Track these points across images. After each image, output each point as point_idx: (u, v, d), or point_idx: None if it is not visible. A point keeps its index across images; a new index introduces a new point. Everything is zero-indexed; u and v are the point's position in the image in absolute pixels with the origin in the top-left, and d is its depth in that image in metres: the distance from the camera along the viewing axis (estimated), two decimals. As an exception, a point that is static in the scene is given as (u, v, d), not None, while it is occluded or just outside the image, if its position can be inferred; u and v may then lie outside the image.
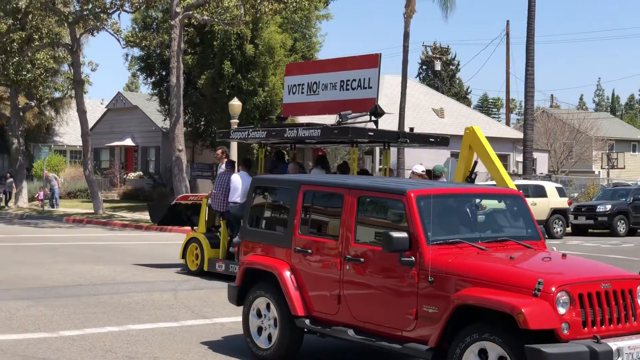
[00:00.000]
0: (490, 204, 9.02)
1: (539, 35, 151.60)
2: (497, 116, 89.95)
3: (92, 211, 34.47)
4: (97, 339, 9.96)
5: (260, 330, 9.12)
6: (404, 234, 7.55)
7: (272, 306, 8.94)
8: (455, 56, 79.63)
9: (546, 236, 8.68)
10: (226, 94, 34.95)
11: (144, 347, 9.60)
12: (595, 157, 63.28)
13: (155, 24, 39.32)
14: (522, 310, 6.61)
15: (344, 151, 38.72)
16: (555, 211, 29.62)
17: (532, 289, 6.79)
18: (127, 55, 42.13)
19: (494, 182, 18.07)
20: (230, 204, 15.81)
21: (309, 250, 8.64)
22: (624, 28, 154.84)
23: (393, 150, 41.64)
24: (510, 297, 6.81)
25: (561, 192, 30.85)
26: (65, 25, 34.80)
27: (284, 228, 9.03)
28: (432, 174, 14.81)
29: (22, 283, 14.55)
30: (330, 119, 17.55)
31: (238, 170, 16.29)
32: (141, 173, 46.73)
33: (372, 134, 14.65)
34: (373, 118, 15.17)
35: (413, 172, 15.22)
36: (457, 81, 79.51)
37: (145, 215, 30.30)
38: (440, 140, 16.08)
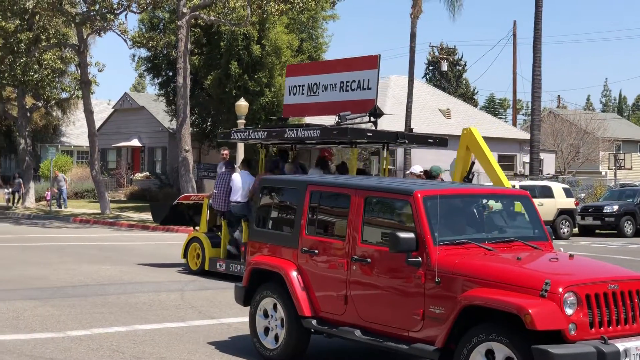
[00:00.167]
0: (497, 204, 9.01)
1: (545, 35, 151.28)
2: (503, 117, 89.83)
3: (99, 211, 34.53)
4: (104, 339, 9.98)
5: (267, 330, 9.12)
6: (411, 235, 7.55)
7: (279, 306, 8.94)
8: (462, 57, 79.51)
9: (553, 237, 8.67)
10: (233, 94, 34.98)
11: (151, 347, 9.61)
12: (602, 158, 63.13)
13: (162, 24, 39.37)
14: (529, 310, 6.60)
15: (350, 151, 38.68)
16: (562, 212, 29.59)
17: (539, 289, 6.79)
18: (134, 55, 42.19)
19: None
20: (232, 204, 15.88)
21: (316, 251, 8.65)
22: (631, 28, 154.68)
23: (400, 151, 41.70)
24: (518, 297, 6.80)
25: (568, 193, 30.82)
26: (73, 25, 34.88)
27: (291, 228, 9.03)
28: (429, 175, 14.93)
29: (29, 283, 14.59)
30: (333, 120, 17.61)
31: (239, 169, 16.38)
32: (148, 173, 46.79)
33: (370, 134, 14.77)
34: (372, 119, 15.30)
35: (411, 173, 15.42)
36: (464, 82, 79.38)
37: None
38: (439, 141, 16.19)
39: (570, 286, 6.85)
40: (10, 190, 39.60)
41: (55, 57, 37.88)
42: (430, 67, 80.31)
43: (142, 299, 13.10)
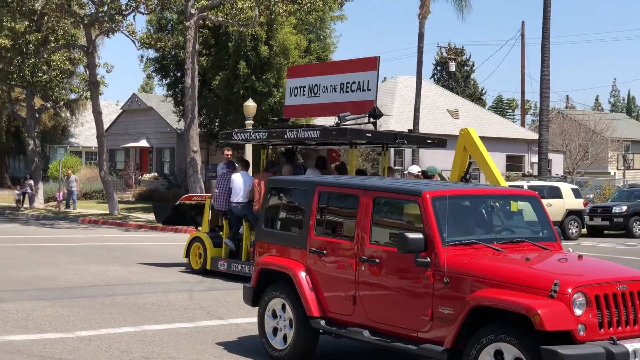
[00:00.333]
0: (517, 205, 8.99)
1: (554, 35, 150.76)
2: (512, 117, 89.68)
3: (108, 212, 34.60)
4: (113, 339, 10.01)
5: (275, 331, 9.13)
6: (420, 235, 7.55)
7: (287, 307, 8.95)
8: (469, 57, 79.38)
9: (562, 237, 8.66)
10: (241, 95, 35.00)
11: (160, 347, 9.63)
12: (611, 158, 62.97)
13: (170, 25, 39.42)
14: (538, 311, 6.59)
15: (359, 152, 38.67)
16: (570, 212, 29.52)
17: (548, 290, 6.78)
18: (142, 56, 42.38)
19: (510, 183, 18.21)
20: (233, 204, 16.01)
21: (324, 251, 8.65)
22: (639, 29, 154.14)
23: (408, 152, 41.68)
24: (526, 298, 6.80)
25: (577, 193, 30.74)
26: (81, 26, 34.97)
27: (299, 229, 9.04)
28: (426, 175, 15.14)
29: (38, 283, 14.63)
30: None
31: (239, 170, 16.53)
32: (156, 174, 46.86)
33: (369, 135, 14.90)
34: (372, 120, 15.44)
35: (409, 173, 15.65)
36: (472, 82, 79.27)
37: (160, 217, 30.39)
38: (438, 142, 16.36)
39: (579, 287, 6.84)
40: (21, 191, 39.65)
41: (63, 58, 37.98)
42: (438, 68, 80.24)
43: (150, 300, 13.12)
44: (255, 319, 9.64)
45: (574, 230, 29.55)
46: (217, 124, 39.65)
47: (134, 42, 34.70)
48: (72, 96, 45.07)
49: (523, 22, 54.15)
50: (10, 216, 36.11)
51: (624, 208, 30.59)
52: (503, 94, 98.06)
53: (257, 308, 9.39)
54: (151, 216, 32.91)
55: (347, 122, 15.47)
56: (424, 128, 40.99)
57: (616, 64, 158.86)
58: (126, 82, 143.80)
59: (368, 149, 30.09)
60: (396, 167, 40.91)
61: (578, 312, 6.75)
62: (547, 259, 7.87)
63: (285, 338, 8.99)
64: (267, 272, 9.30)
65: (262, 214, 9.70)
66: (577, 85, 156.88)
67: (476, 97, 75.35)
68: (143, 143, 48.75)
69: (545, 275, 7.03)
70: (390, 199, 8.37)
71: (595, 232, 31.25)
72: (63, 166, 40.96)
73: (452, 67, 69.37)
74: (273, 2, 30.12)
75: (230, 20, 31.57)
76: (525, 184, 30.41)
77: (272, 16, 32.15)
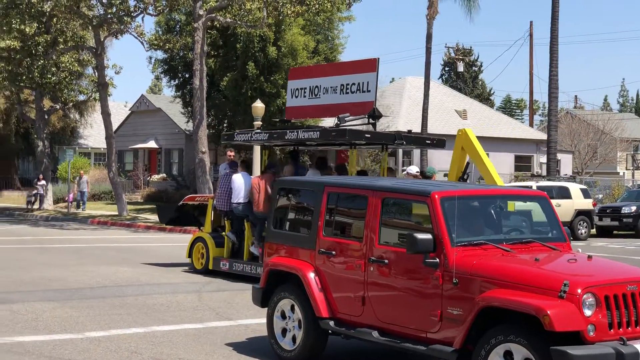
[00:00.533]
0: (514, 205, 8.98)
1: (562, 35, 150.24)
2: (520, 117, 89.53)
3: (117, 213, 34.66)
4: (123, 340, 10.03)
5: (284, 331, 9.14)
6: (428, 236, 7.55)
7: (296, 308, 8.95)
8: (478, 57, 79.22)
9: (571, 238, 8.64)
10: (249, 96, 35.03)
11: (169, 348, 9.65)
12: (620, 158, 62.83)
13: (178, 26, 39.47)
14: (548, 312, 6.58)
15: (367, 153, 38.70)
16: (579, 212, 29.44)
17: (558, 290, 6.77)
18: (150, 57, 42.41)
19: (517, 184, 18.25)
20: (234, 205, 16.16)
21: (333, 252, 8.65)
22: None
23: (416, 152, 41.63)
24: (536, 298, 6.79)
25: (586, 194, 30.66)
26: (90, 28, 35.05)
27: (308, 230, 9.04)
28: (424, 175, 15.44)
29: (48, 284, 14.67)
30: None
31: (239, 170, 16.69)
32: (164, 175, 46.92)
33: (369, 135, 15.08)
34: (371, 120, 15.62)
35: (407, 173, 15.93)
36: (480, 82, 79.12)
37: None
38: (437, 142, 16.62)
39: (589, 287, 6.82)
40: (34, 192, 39.69)
41: (72, 59, 38.09)
42: (447, 68, 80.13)
43: (159, 301, 13.15)
44: (264, 320, 9.65)
45: (583, 231, 29.47)
46: (225, 125, 39.69)
47: (142, 43, 34.79)
48: (81, 97, 45.18)
49: (531, 22, 54.09)
50: (19, 217, 36.22)
51: (633, 208, 30.47)
52: (511, 94, 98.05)
53: (266, 309, 9.40)
54: (160, 217, 32.99)
55: (354, 123, 15.59)
56: (432, 129, 40.94)
57: (625, 64, 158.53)
58: (135, 83, 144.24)
59: (376, 150, 30.09)
60: (394, 167, 40.83)
61: (588, 312, 6.74)
62: (556, 259, 7.85)
63: (294, 339, 9.00)
64: (276, 272, 9.30)
65: (271, 215, 9.71)
66: (585, 85, 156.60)
67: (484, 98, 75.22)
68: (152, 144, 48.83)
69: (555, 276, 7.02)
70: (399, 200, 8.37)
71: (604, 232, 31.15)
72: (72, 167, 41.06)
73: (460, 67, 69.28)
74: (281, 3, 30.13)
75: (239, 22, 31.59)
76: (534, 184, 30.34)
77: (280, 17, 32.15)
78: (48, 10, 32.05)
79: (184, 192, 40.82)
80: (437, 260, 7.54)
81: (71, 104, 44.42)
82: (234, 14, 31.87)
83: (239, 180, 16.17)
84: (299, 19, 35.24)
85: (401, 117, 44.56)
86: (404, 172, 18.16)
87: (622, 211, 30.53)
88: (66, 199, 38.99)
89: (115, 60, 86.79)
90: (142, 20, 41.68)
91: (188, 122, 41.79)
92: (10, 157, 55.91)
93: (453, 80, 76.49)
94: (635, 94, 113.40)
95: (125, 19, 32.45)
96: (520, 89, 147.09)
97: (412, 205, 8.22)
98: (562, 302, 6.71)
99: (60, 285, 14.57)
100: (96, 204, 41.62)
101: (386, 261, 8.09)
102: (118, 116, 51.82)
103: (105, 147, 37.26)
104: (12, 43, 32.85)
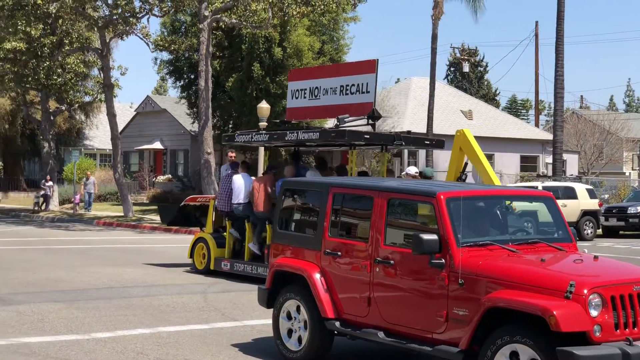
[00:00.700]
0: (520, 205, 8.98)
1: (567, 35, 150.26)
2: (526, 118, 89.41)
3: (122, 214, 34.69)
4: (129, 341, 10.04)
5: (290, 332, 9.14)
6: (434, 236, 7.54)
7: (302, 308, 8.95)
8: (483, 58, 79.09)
9: (577, 238, 8.62)
10: (254, 96, 35.05)
11: (175, 349, 9.65)
12: (626, 159, 62.69)
13: (183, 27, 39.52)
14: (554, 312, 6.57)
15: (373, 154, 38.68)
16: (585, 213, 29.39)
17: (564, 291, 6.76)
18: (156, 59, 42.48)
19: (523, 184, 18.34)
20: (234, 205, 16.28)
21: (339, 253, 8.65)
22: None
23: (422, 153, 41.60)
24: (542, 299, 6.78)
25: (591, 194, 30.62)
26: (95, 29, 35.09)
27: (314, 230, 9.04)
28: (423, 176, 15.50)
29: (54, 285, 14.69)
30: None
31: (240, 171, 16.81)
32: (170, 176, 46.95)
33: (368, 136, 15.21)
34: (370, 121, 15.75)
35: (406, 174, 16.11)
36: (486, 83, 79.02)
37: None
38: (435, 143, 16.88)
39: (595, 288, 6.81)
40: (41, 193, 39.74)
41: (78, 61, 38.11)
42: (452, 69, 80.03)
43: (165, 301, 13.16)
44: (270, 321, 9.65)
45: (589, 231, 29.42)
46: (230, 125, 39.70)
47: (147, 44, 34.82)
48: (87, 99, 45.25)
49: (537, 22, 54.05)
50: (25, 219, 36.27)
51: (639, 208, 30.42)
52: (517, 94, 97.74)
53: (271, 310, 9.40)
54: (165, 218, 33.01)
55: (355, 124, 15.74)
56: (438, 129, 40.89)
57: (631, 64, 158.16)
58: (140, 84, 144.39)
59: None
60: (391, 168, 40.85)
61: (594, 313, 6.73)
62: (562, 259, 7.84)
63: (300, 339, 9.00)
64: (282, 273, 9.31)
65: (277, 216, 9.72)
66: (591, 86, 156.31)
67: (490, 98, 75.12)
68: (157, 145, 48.88)
69: (561, 276, 7.01)
70: (405, 200, 8.37)
71: (610, 232, 31.10)
72: (78, 168, 41.10)
73: (466, 67, 69.21)
74: (286, 4, 30.13)
75: (244, 22, 31.60)
76: (539, 184, 30.30)
77: (286, 18, 32.17)
78: (54, 11, 32.07)
79: (190, 193, 40.83)
80: (443, 260, 7.54)
81: (77, 105, 44.45)
82: (239, 14, 31.88)
83: (239, 181, 16.31)
84: (304, 19, 35.24)
85: (407, 118, 44.53)
86: (403, 173, 18.33)
87: (628, 211, 30.47)
88: (72, 200, 39.00)
89: (120, 61, 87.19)
90: (148, 21, 41.64)
91: (193, 123, 41.83)
92: (16, 158, 56.03)
93: (458, 81, 76.41)
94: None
95: (130, 20, 32.49)
96: (525, 89, 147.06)
97: (418, 206, 8.21)
98: (568, 302, 6.70)
99: (66, 286, 14.60)
100: (102, 205, 41.67)
101: (392, 262, 8.09)
102: (123, 117, 51.88)
103: (111, 148, 37.29)
104: (17, 44, 32.88)
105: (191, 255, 17.44)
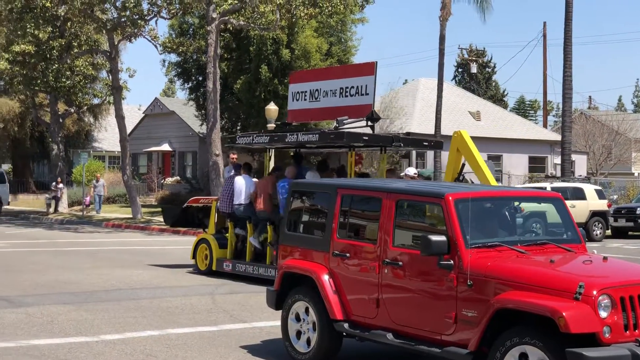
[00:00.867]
0: (529, 206, 8.96)
1: (575, 36, 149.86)
2: (534, 118, 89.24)
3: (131, 216, 34.75)
4: (138, 343, 10.05)
5: (299, 334, 9.14)
6: (443, 238, 7.53)
7: (310, 310, 8.95)
8: (491, 58, 79.06)
9: (586, 239, 8.60)
10: (262, 98, 35.07)
11: (184, 351, 9.66)
12: (635, 159, 62.51)
13: (191, 29, 39.58)
14: (563, 313, 6.56)
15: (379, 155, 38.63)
16: (594, 214, 29.32)
17: (573, 292, 6.74)
18: (164, 61, 42.52)
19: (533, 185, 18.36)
20: (235, 206, 16.45)
21: (347, 254, 8.65)
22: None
23: (429, 154, 41.58)
24: (551, 300, 6.76)
25: (600, 195, 30.54)
26: (104, 32, 35.16)
27: (322, 232, 9.04)
28: (422, 177, 15.82)
29: (63, 287, 14.73)
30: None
31: (241, 173, 16.93)
32: (178, 178, 46.99)
33: (366, 138, 15.34)
34: (369, 123, 15.94)
35: (406, 174, 16.39)
36: (494, 83, 78.95)
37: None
38: (434, 144, 17.20)
39: (605, 289, 6.79)
40: (52, 195, 39.83)
41: (86, 63, 38.23)
42: (460, 70, 79.98)
43: (174, 303, 13.17)
44: (278, 323, 9.65)
45: (598, 232, 29.35)
46: (239, 127, 39.74)
47: (156, 46, 34.92)
48: (95, 101, 45.38)
49: (545, 23, 54.01)
50: (34, 221, 36.38)
51: (649, 209, 30.33)
52: (525, 95, 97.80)
53: (280, 311, 9.40)
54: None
55: (354, 125, 15.90)
56: (446, 130, 40.82)
57: (639, 64, 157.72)
58: (148, 86, 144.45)
59: (389, 152, 30.23)
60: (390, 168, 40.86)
61: (603, 314, 6.71)
62: (571, 260, 7.82)
63: (308, 341, 9.00)
64: (291, 275, 9.31)
65: (285, 218, 9.73)
66: (599, 86, 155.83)
67: (498, 99, 75.04)
68: (165, 147, 48.95)
69: (570, 278, 6.99)
70: (413, 202, 8.36)
71: (619, 233, 31.00)
72: (86, 171, 41.18)
73: (474, 68, 69.14)
74: (294, 6, 30.16)
75: (252, 24, 31.63)
76: (548, 185, 30.24)
77: (293, 20, 32.19)
78: (62, 14, 32.18)
79: (198, 194, 40.83)
80: (452, 262, 7.52)
81: (85, 107, 44.56)
82: (247, 16, 31.91)
83: (240, 182, 16.50)
84: (312, 21, 35.24)
85: (415, 119, 44.52)
86: (402, 174, 18.49)
87: (637, 212, 30.37)
88: (83, 202, 39.08)
89: (129, 63, 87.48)
90: (156, 23, 41.63)
91: (202, 124, 41.88)
92: (25, 160, 56.20)
93: (466, 82, 76.35)
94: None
95: (139, 22, 32.56)
96: (534, 90, 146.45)
97: (426, 207, 8.21)
98: (577, 303, 6.69)
99: (75, 288, 14.63)
100: (110, 207, 41.74)
101: (400, 263, 8.08)
102: (132, 119, 51.95)
103: (120, 150, 37.36)
104: (26, 47, 32.98)
105: (194, 256, 17.56)
